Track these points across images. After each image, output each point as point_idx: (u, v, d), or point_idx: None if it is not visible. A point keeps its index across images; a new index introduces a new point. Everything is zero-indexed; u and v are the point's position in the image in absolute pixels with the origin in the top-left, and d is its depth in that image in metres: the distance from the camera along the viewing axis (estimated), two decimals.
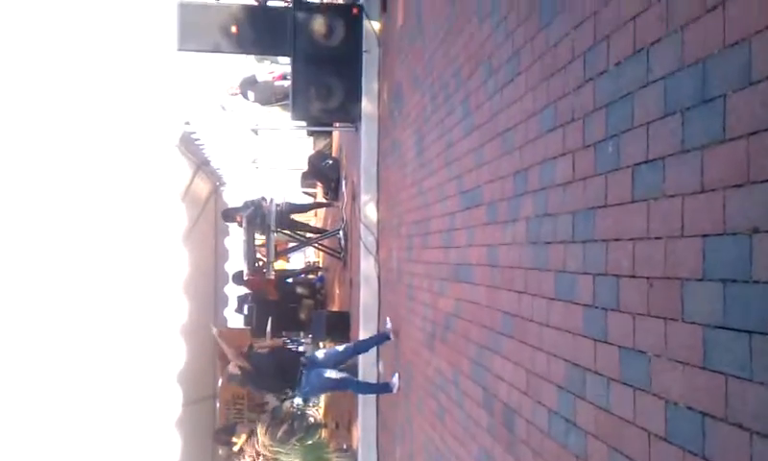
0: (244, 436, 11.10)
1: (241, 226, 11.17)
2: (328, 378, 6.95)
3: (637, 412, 2.11)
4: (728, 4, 1.72)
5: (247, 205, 11.34)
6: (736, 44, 1.68)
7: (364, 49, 8.50)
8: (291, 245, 13.45)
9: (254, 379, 7.23)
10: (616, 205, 2.28)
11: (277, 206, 11.25)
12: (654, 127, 2.05)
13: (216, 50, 9.02)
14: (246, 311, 13.12)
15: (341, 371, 7.16)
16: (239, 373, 7.07)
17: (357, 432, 8.34)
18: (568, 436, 2.63)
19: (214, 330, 9.13)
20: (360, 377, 7.96)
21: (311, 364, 6.98)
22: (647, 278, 2.06)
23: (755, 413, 1.59)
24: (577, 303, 2.57)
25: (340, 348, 7.51)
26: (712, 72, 1.78)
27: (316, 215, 15.31)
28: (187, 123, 10.72)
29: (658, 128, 2.03)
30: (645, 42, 2.11)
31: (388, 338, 6.87)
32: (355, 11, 8.60)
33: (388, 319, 7.03)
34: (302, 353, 8.20)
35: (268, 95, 11.27)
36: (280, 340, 11.90)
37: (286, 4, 9.04)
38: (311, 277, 15.51)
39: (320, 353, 7.39)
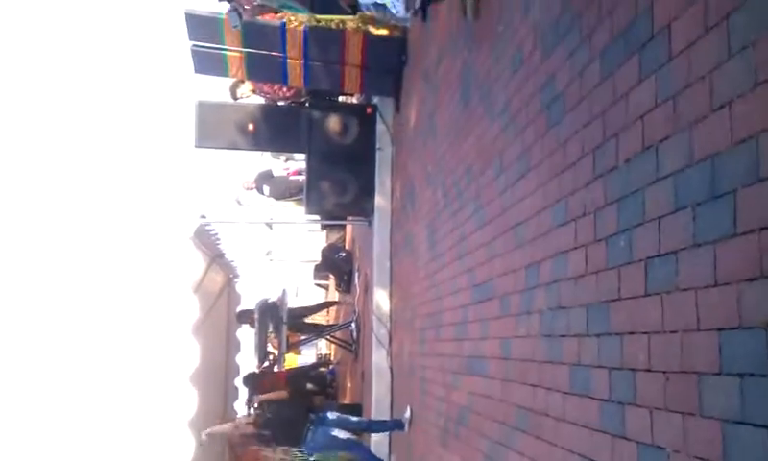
0: None
1: (254, 327, 11.22)
2: (335, 438, 6.81)
3: None
4: (734, 104, 1.78)
5: (259, 303, 11.42)
6: (744, 142, 1.73)
7: (377, 146, 8.70)
8: (303, 338, 13.40)
9: (266, 424, 7.17)
10: (630, 298, 2.30)
11: (290, 310, 11.31)
12: (665, 221, 2.08)
13: (233, 147, 9.25)
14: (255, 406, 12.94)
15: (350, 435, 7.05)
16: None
17: None
18: None
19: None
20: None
21: (319, 422, 6.86)
22: (663, 371, 2.05)
23: None
24: (593, 398, 2.55)
25: (353, 418, 7.39)
26: (721, 169, 1.82)
27: (328, 313, 15.28)
28: (203, 216, 10.88)
29: (669, 222, 2.06)
30: (654, 140, 2.17)
31: (402, 427, 6.72)
32: (369, 110, 8.84)
33: (409, 407, 6.91)
34: (313, 410, 8.03)
35: (283, 189, 11.46)
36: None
37: (302, 101, 9.31)
38: (322, 370, 15.37)
39: (331, 414, 7.29)
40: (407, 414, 6.76)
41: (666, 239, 2.08)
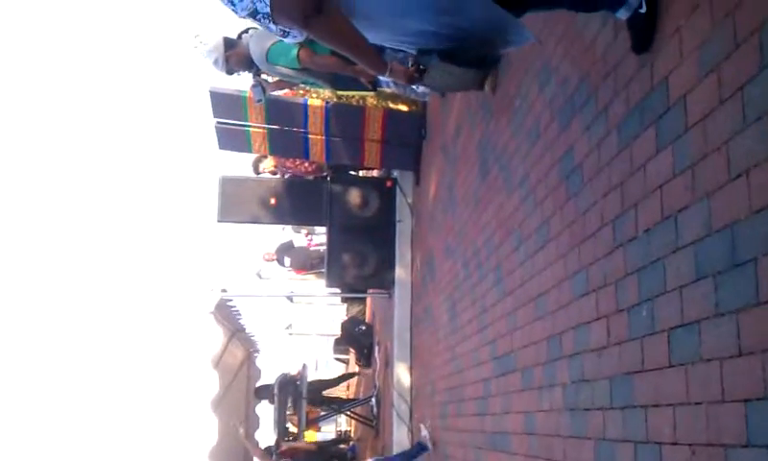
0: None
1: (273, 403, 11.15)
2: None
3: None
4: (751, 173, 1.79)
5: (277, 380, 11.37)
6: (762, 210, 1.73)
7: (397, 219, 8.76)
8: (322, 413, 13.25)
9: None
10: (654, 369, 2.26)
11: (309, 384, 11.25)
12: (687, 291, 2.07)
13: (255, 221, 9.36)
14: None
15: None
16: None
17: None
18: None
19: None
20: None
21: None
22: (689, 444, 2.01)
23: None
24: None
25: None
26: (741, 237, 1.82)
27: (348, 387, 15.14)
28: (224, 290, 10.94)
29: (691, 292, 2.05)
30: (673, 210, 2.17)
31: (426, 448, 6.53)
32: (389, 183, 8.95)
33: (422, 426, 6.71)
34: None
35: (304, 260, 11.52)
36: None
37: (324, 175, 9.45)
38: (343, 447, 15.13)
39: None
40: (424, 433, 6.58)
41: (688, 309, 2.06)
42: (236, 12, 2.31)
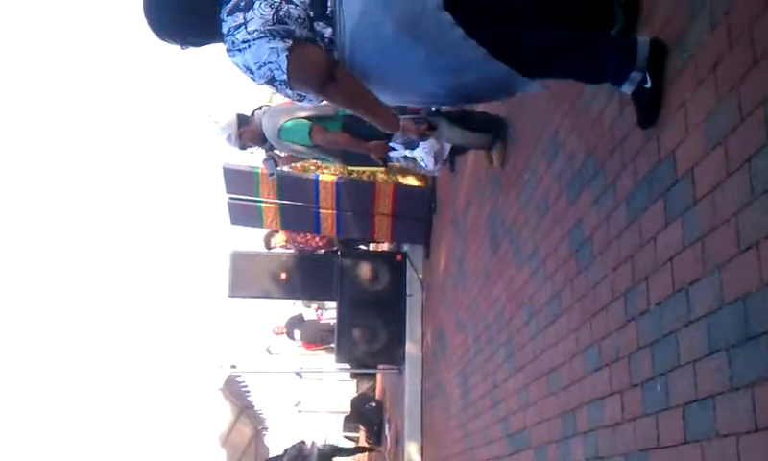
0: None
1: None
2: None
3: None
4: (761, 245, 1.78)
5: (287, 451, 11.16)
6: None
7: (408, 293, 8.75)
8: None
9: None
10: (669, 446, 2.21)
11: (319, 449, 11.03)
12: (700, 365, 2.04)
13: (265, 296, 9.38)
14: None
15: None
16: None
17: None
18: None
19: None
20: None
21: None
22: None
23: None
24: None
25: None
26: (753, 309, 1.80)
27: None
28: (233, 366, 10.87)
29: (704, 365, 2.02)
30: (684, 282, 2.16)
31: None
32: (399, 257, 8.98)
33: None
34: None
35: (314, 334, 11.46)
36: None
37: (334, 249, 9.49)
38: None
39: None
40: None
41: (703, 383, 2.02)
42: (255, 80, 2.41)
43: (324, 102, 2.64)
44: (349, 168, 7.58)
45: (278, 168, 5.30)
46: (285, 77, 2.30)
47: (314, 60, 2.32)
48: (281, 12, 2.28)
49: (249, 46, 2.31)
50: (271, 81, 2.34)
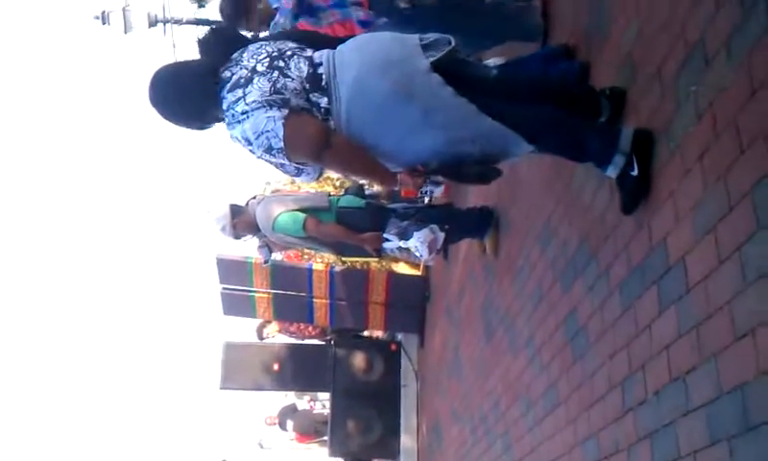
0: None
1: None
2: None
3: None
4: (756, 332, 1.77)
5: None
6: None
7: (402, 383, 8.63)
8: None
9: None
10: None
11: None
12: (701, 456, 2.00)
13: (257, 388, 9.25)
14: None
15: None
16: None
17: None
18: None
19: None
20: None
21: None
22: None
23: None
24: None
25: None
26: (751, 399, 1.77)
27: None
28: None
29: (706, 456, 1.97)
30: (681, 371, 2.14)
31: None
32: (394, 347, 8.90)
33: None
34: None
35: (308, 425, 11.22)
36: None
37: (327, 339, 9.40)
38: None
39: None
40: None
41: None
42: (254, 151, 2.48)
43: (323, 175, 2.70)
44: (343, 259, 7.60)
45: (273, 255, 5.31)
46: (282, 145, 2.37)
47: (310, 128, 2.40)
48: (278, 85, 2.38)
49: (247, 117, 2.39)
50: (269, 150, 2.41)
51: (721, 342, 1.92)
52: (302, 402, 12.66)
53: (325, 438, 9.56)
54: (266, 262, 5.48)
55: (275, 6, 3.79)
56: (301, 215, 4.64)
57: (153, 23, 12.49)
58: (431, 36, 2.48)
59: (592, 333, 2.90)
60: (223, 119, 2.53)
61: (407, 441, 8.40)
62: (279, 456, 12.24)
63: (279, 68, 2.42)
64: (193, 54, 2.68)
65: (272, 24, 3.77)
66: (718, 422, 1.92)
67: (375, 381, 8.68)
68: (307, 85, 2.41)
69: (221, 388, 8.93)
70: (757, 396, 1.75)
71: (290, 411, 11.53)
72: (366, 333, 9.71)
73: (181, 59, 2.89)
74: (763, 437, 1.71)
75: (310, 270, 7.77)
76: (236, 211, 4.85)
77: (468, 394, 5.48)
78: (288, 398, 12.22)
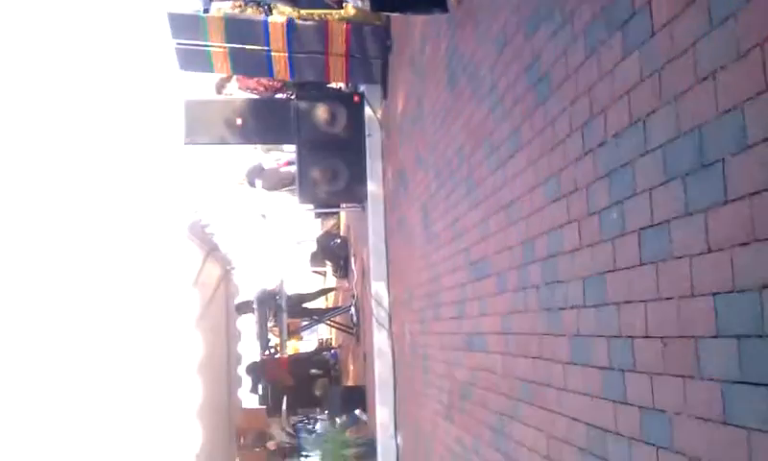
0: None
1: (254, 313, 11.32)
2: None
3: None
4: (717, 74, 1.83)
5: (256, 296, 11.49)
6: (729, 111, 1.79)
7: (367, 133, 8.73)
8: (303, 324, 13.50)
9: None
10: (625, 268, 2.36)
11: (288, 297, 11.40)
12: (656, 192, 2.14)
13: (222, 142, 9.29)
14: (260, 391, 13.08)
15: None
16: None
17: None
18: None
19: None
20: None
21: None
22: (661, 337, 2.12)
23: None
24: (593, 367, 2.63)
25: None
26: (709, 138, 1.88)
27: (327, 300, 15.34)
28: (196, 211, 10.91)
29: (660, 193, 2.12)
30: (641, 114, 2.23)
31: None
32: (356, 98, 8.87)
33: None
34: None
35: (275, 182, 11.47)
36: None
37: (289, 93, 9.34)
38: (324, 354, 15.50)
39: None
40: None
41: (658, 210, 2.14)
42: None
43: None
44: (300, 11, 7.34)
45: (225, 14, 5.11)
46: None
47: None
48: None
49: None
50: None
51: (683, 85, 1.99)
52: (269, 157, 12.79)
53: (294, 188, 9.82)
54: (205, 11, 5.24)
55: None
56: None
57: None
58: None
59: (555, 79, 2.94)
60: None
61: (373, 187, 8.68)
62: (250, 204, 12.51)
63: None
64: None
65: None
66: (674, 160, 2.04)
67: (340, 132, 8.76)
68: None
69: (185, 144, 8.96)
70: (714, 135, 1.85)
71: (258, 170, 11.69)
72: (329, 86, 9.64)
73: None
74: (716, 173, 1.84)
75: (266, 22, 7.51)
76: None
77: (432, 141, 5.60)
78: (257, 151, 12.30)
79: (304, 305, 12.48)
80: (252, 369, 12.67)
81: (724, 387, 1.82)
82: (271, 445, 12.02)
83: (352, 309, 10.83)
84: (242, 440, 13.85)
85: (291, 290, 12.09)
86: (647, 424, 2.23)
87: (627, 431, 2.37)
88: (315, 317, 12.75)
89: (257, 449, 12.92)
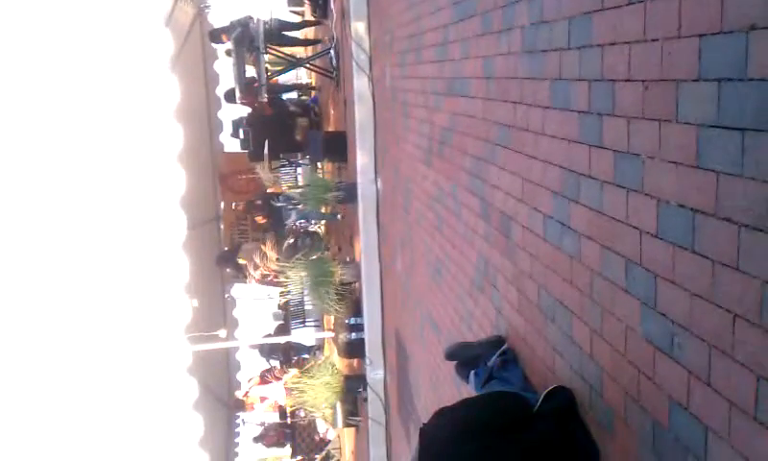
0: (250, 252, 11.55)
1: (228, 45, 10.92)
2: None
3: (630, 212, 2.20)
4: None
5: (234, 25, 10.99)
6: None
7: None
8: (281, 68, 13.21)
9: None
10: (613, 8, 2.25)
11: (266, 24, 10.94)
12: None
13: None
14: (242, 135, 13.05)
15: None
16: None
17: (359, 246, 8.62)
18: (563, 239, 2.75)
19: None
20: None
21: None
22: (642, 80, 2.08)
23: (743, 207, 1.66)
24: (572, 111, 2.60)
25: None
26: None
27: (306, 50, 14.86)
28: None
29: None
30: None
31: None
32: None
33: None
34: None
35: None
36: None
37: None
38: (305, 98, 15.37)
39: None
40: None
41: None
42: None
43: None
44: None
45: None
46: None
47: None
48: None
49: None
50: None
51: None
52: None
53: None
54: None
55: None
56: None
57: None
58: None
59: None
60: None
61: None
62: None
63: None
64: None
65: None
66: None
67: None
68: None
69: None
70: None
71: None
72: None
73: None
74: None
75: None
76: None
77: None
78: None
79: (284, 33, 12.00)
80: (231, 95, 12.31)
81: (699, 131, 1.81)
82: (259, 218, 12.27)
83: (332, 52, 10.54)
84: (234, 206, 14.37)
85: (270, 17, 11.48)
86: (620, 168, 2.25)
87: (600, 175, 2.40)
88: (293, 58, 12.39)
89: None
